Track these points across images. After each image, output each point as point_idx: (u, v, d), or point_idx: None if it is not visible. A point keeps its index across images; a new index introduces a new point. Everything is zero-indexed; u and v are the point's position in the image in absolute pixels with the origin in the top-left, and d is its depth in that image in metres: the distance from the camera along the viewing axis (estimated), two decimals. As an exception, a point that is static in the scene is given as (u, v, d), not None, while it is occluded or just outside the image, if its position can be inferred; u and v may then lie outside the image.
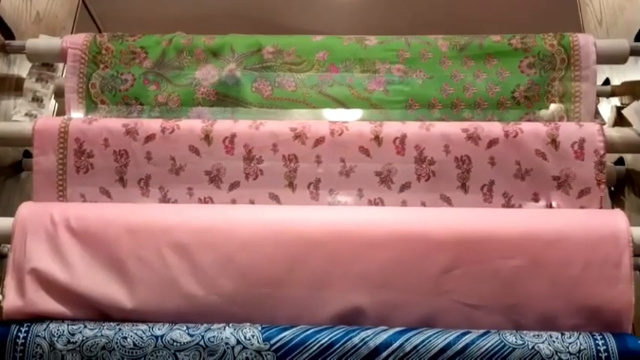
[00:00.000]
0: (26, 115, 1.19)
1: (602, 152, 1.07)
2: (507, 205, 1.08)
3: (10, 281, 0.99)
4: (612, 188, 1.26)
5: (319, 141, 1.10)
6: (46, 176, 1.10)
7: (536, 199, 1.08)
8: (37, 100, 1.21)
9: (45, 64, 1.25)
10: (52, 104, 1.32)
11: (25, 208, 1.04)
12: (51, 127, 1.11)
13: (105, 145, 1.10)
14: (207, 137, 1.10)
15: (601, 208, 1.06)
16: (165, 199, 1.09)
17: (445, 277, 0.99)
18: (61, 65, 1.28)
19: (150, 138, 1.10)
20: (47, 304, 0.98)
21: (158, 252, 0.99)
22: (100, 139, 1.10)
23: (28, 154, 1.22)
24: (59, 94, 1.25)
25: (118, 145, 1.10)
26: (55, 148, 1.10)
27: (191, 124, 1.11)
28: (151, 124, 1.11)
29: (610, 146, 1.09)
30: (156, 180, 1.09)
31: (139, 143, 1.10)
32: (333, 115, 1.18)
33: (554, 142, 1.08)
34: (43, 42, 1.23)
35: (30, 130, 1.12)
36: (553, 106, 1.18)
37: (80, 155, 1.10)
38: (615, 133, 1.11)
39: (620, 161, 1.25)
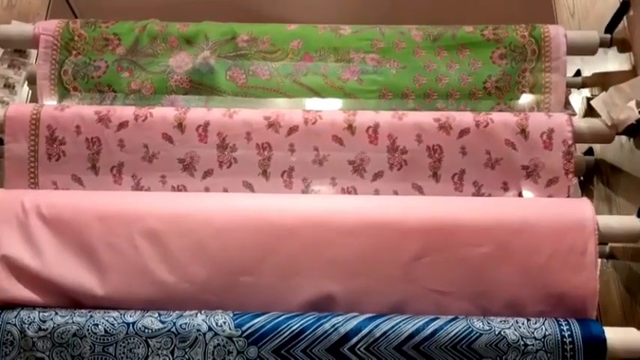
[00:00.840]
0: (-3, 101, 1.18)
1: (570, 142, 1.09)
2: (477, 193, 1.10)
3: (-20, 268, 0.98)
4: (582, 178, 1.28)
5: (293, 129, 1.10)
6: (18, 163, 1.10)
7: (505, 188, 1.10)
8: (9, 86, 1.20)
9: (17, 50, 1.24)
10: (25, 91, 1.31)
11: (-4, 196, 1.04)
12: (23, 114, 1.10)
13: (77, 132, 1.09)
14: (180, 125, 1.10)
15: (569, 197, 1.08)
16: (138, 187, 1.09)
17: (415, 264, 1.00)
18: (34, 52, 1.27)
19: (122, 125, 1.10)
20: (18, 291, 0.98)
21: (130, 239, 1.00)
22: (72, 126, 1.09)
23: (1, 142, 1.21)
24: (32, 81, 1.24)
25: (90, 132, 1.09)
26: (27, 135, 1.09)
27: (164, 112, 1.11)
28: (124, 112, 1.11)
29: (578, 136, 1.11)
30: (129, 168, 1.09)
31: (112, 131, 1.09)
32: (307, 104, 1.18)
33: (523, 132, 1.09)
34: (15, 28, 1.22)
35: (1, 117, 1.11)
36: (524, 97, 1.20)
37: (52, 142, 1.09)
38: (583, 123, 1.13)
39: (589, 152, 1.27)
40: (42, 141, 1.09)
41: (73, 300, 0.99)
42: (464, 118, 1.11)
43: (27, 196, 1.03)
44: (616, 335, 0.96)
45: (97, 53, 1.19)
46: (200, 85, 1.19)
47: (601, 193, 1.22)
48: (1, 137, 1.16)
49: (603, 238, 1.04)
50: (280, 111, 1.12)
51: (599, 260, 1.16)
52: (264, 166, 1.10)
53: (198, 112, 1.12)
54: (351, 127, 1.10)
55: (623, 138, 1.13)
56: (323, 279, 1.00)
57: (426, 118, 1.11)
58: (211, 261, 1.00)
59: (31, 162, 1.09)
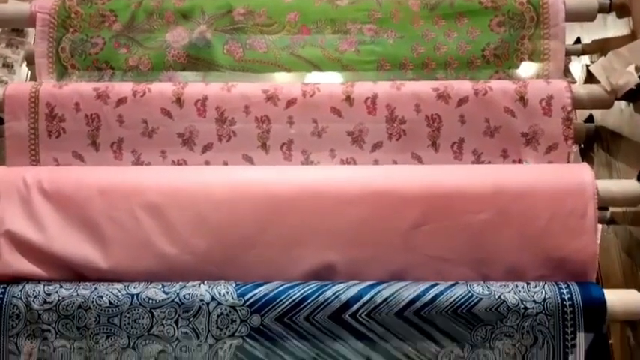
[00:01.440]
0: (-4, 81, 1.19)
1: (569, 108, 1.09)
2: (477, 162, 1.10)
3: (-16, 244, 1.00)
4: (582, 146, 1.28)
5: (291, 102, 1.10)
6: (19, 141, 1.10)
7: (505, 156, 1.10)
8: (8, 66, 1.21)
9: (15, 29, 1.24)
10: (24, 71, 1.31)
11: (-2, 173, 1.05)
12: (22, 92, 1.11)
13: (76, 109, 1.10)
14: (178, 100, 1.10)
15: (568, 163, 1.08)
16: (138, 163, 1.10)
17: (415, 232, 1.00)
18: (32, 31, 1.27)
19: (121, 101, 1.10)
20: (23, 265, 0.99)
21: (131, 213, 1.00)
22: (72, 103, 1.10)
23: (0, 122, 1.22)
24: (31, 60, 1.24)
25: (89, 109, 1.10)
26: (27, 113, 1.10)
27: (162, 87, 1.11)
28: (122, 88, 1.11)
29: (577, 102, 1.11)
30: (129, 143, 1.10)
31: (111, 107, 1.10)
32: (305, 76, 1.18)
33: (522, 99, 1.09)
34: (12, 7, 1.22)
35: (0, 96, 1.11)
36: (522, 65, 1.19)
37: (52, 120, 1.10)
38: (582, 89, 1.13)
39: (589, 119, 1.27)
40: (42, 118, 1.10)
41: (77, 273, 1.00)
42: (462, 86, 1.11)
43: (28, 173, 1.04)
44: (616, 297, 0.96)
45: (93, 30, 1.19)
46: (197, 59, 1.19)
47: (601, 159, 1.22)
48: (1, 116, 1.17)
49: (603, 203, 1.04)
50: (278, 84, 1.12)
51: (600, 226, 1.17)
52: (264, 139, 1.10)
53: (196, 86, 1.12)
54: (349, 99, 1.10)
55: (623, 103, 1.13)
56: (323, 249, 1.01)
57: (424, 87, 1.11)
58: (212, 233, 1.00)
59: (31, 140, 1.10)
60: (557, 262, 1.00)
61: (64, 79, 1.17)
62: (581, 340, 0.95)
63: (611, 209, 1.18)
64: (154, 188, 1.02)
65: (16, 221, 1.00)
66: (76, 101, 1.10)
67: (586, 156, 1.27)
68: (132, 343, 0.95)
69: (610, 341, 1.08)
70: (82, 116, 1.10)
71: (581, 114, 1.30)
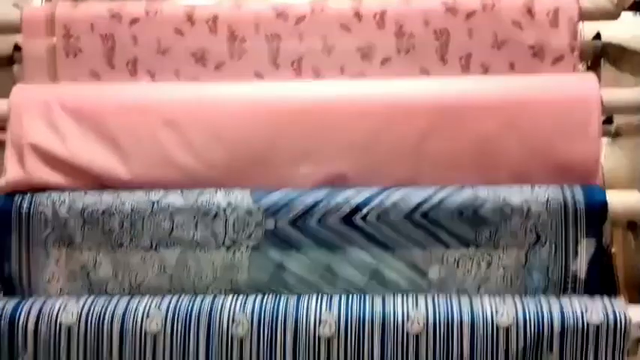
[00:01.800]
0: (14, 5, 1.21)
1: (575, 20, 1.10)
2: (484, 74, 1.11)
3: (10, 156, 1.04)
4: (589, 63, 1.29)
5: (300, 19, 1.12)
6: (37, 63, 1.13)
7: (512, 68, 1.11)
8: (23, -10, 1.23)
9: (27, -45, 1.25)
10: (38, 1, 1.34)
11: (19, 90, 1.09)
12: (38, 15, 1.14)
13: (91, 28, 1.12)
14: (190, 19, 1.12)
15: (574, 74, 1.10)
16: (153, 80, 1.13)
17: (423, 142, 1.03)
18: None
19: (134, 21, 1.12)
20: (48, 175, 1.04)
21: (150, 128, 1.04)
22: (86, 23, 1.13)
23: (18, 48, 1.24)
24: (43, -12, 1.27)
25: (103, 28, 1.12)
26: (44, 34, 1.13)
27: (174, 7, 1.13)
28: (135, 8, 1.13)
29: (584, 14, 1.12)
30: (143, 62, 1.13)
31: (124, 26, 1.12)
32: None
33: (530, 11, 1.10)
34: None
35: (18, 20, 1.14)
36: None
37: (68, 39, 1.13)
38: (589, 2, 1.13)
39: (597, 37, 1.27)
40: (58, 39, 1.13)
41: (99, 184, 1.05)
42: (470, 0, 1.12)
43: (49, 89, 1.08)
44: (618, 198, 1.00)
45: (105, -48, 1.20)
46: (207, -20, 1.20)
47: (607, 72, 1.23)
48: (19, 44, 1.19)
49: (608, 111, 1.06)
50: (287, 1, 1.14)
51: (605, 139, 1.20)
52: (274, 56, 1.13)
53: (206, 6, 1.14)
54: (357, 15, 1.12)
55: (630, 14, 1.13)
56: (334, 160, 1.04)
57: (432, 2, 1.12)
58: (226, 147, 1.04)
59: (49, 60, 1.13)
60: (562, 169, 1.03)
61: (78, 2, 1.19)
62: (584, 247, 0.99)
63: (616, 123, 1.20)
64: (171, 104, 1.06)
65: (39, 134, 1.04)
66: (90, 22, 1.12)
67: (592, 71, 1.28)
68: (154, 245, 1.00)
69: (612, 250, 1.12)
70: (97, 36, 1.12)
71: (590, 33, 1.30)
